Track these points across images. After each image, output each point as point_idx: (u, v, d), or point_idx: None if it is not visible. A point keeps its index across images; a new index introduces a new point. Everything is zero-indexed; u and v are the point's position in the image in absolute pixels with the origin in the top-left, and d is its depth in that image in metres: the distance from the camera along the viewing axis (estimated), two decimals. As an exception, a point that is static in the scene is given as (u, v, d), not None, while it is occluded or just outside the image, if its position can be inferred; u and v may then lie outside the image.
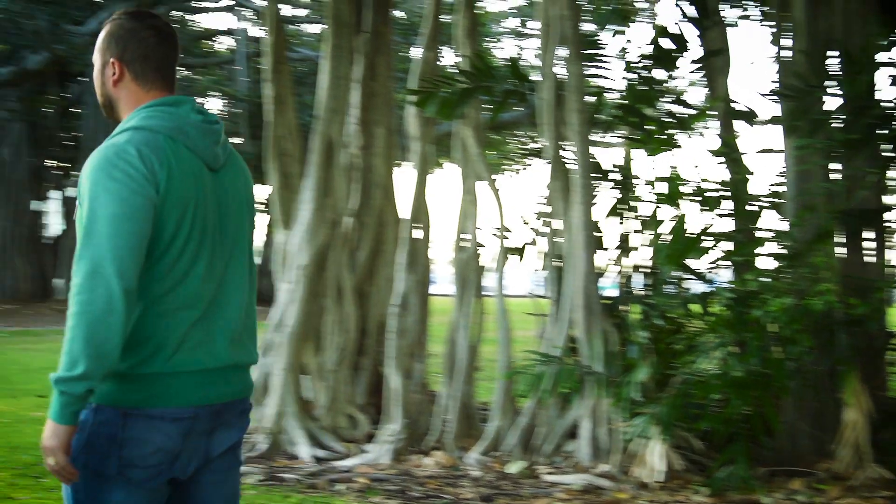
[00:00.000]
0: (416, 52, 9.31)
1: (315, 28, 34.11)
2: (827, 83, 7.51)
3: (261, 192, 35.82)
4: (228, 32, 38.25)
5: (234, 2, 33.73)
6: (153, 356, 2.69)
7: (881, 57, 7.62)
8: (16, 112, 28.65)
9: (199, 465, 2.84)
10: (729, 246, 7.69)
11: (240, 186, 2.98)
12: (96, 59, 2.92)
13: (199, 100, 40.74)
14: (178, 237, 2.70)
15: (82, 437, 2.67)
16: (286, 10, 32.59)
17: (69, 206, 31.45)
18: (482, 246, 8.42)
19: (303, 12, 35.54)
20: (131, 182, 2.60)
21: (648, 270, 8.14)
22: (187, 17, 38.58)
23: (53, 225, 34.55)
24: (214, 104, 41.75)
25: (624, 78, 8.42)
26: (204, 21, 48.08)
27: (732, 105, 8.24)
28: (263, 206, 36.97)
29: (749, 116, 8.27)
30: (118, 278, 2.55)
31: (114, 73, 2.87)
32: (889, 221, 7.66)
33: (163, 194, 2.65)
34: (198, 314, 2.76)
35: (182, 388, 2.73)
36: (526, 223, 8.48)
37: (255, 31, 33.34)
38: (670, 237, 7.47)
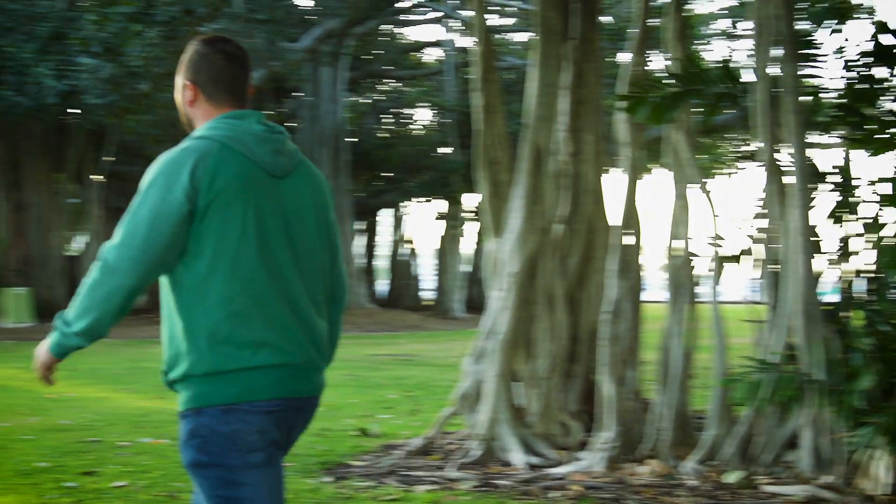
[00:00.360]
0: (625, 58, 9.23)
1: (523, 37, 34.31)
2: None
3: (471, 200, 36.27)
4: (437, 44, 38.93)
5: (441, 14, 34.22)
6: (238, 353, 2.95)
7: None
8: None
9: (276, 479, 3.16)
10: (959, 249, 7.33)
11: (306, 193, 3.20)
12: (176, 81, 3.27)
13: (408, 111, 41.76)
14: (229, 235, 2.96)
15: (198, 441, 3.00)
16: (493, 20, 32.90)
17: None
18: (695, 255, 8.28)
19: (510, 21, 35.81)
20: (167, 192, 2.92)
21: (871, 275, 7.84)
22: (396, 30, 39.48)
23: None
24: (424, 114, 42.57)
25: (842, 77, 8.14)
26: (412, 34, 49.08)
27: (961, 101, 7.85)
28: (473, 214, 37.44)
29: (979, 112, 7.86)
30: (125, 275, 2.92)
31: (189, 95, 3.22)
32: None
33: (204, 195, 2.92)
34: (272, 312, 3.00)
35: (268, 383, 2.99)
36: (740, 228, 8.30)
37: (463, 42, 33.86)
38: (895, 240, 7.18)
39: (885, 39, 7.68)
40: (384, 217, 44.80)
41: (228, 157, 2.98)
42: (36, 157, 32.20)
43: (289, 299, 3.04)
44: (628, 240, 8.49)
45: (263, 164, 3.05)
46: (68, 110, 28.45)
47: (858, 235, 7.93)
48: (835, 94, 8.58)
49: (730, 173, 40.91)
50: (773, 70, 7.75)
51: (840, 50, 8.59)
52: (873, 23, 8.07)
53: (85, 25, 21.18)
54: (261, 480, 3.02)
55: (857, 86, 7.89)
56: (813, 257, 7.48)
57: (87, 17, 21.09)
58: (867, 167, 31.81)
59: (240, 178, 2.98)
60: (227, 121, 3.10)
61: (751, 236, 8.16)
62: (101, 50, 21.37)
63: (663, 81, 8.31)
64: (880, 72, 7.88)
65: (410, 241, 44.43)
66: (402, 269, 42.96)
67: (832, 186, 7.99)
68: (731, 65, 8.50)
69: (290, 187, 3.12)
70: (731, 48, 30.60)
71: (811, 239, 7.52)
